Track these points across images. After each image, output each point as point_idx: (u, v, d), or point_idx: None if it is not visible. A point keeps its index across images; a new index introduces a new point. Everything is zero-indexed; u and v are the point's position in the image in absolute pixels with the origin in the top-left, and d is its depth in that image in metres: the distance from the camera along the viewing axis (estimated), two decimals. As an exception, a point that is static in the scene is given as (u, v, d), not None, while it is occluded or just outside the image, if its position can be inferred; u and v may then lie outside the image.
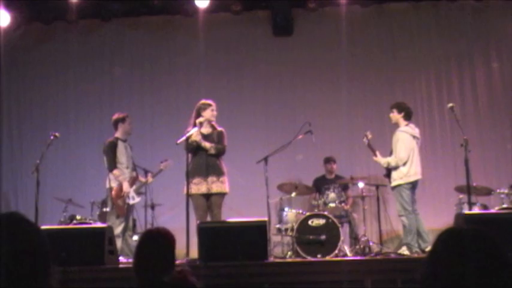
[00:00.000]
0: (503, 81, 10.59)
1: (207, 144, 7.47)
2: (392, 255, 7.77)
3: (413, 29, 10.85)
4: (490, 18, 10.69)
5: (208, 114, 7.61)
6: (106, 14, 10.77)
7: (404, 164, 7.94)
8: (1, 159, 11.04)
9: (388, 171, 8.12)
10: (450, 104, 8.14)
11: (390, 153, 8.18)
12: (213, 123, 7.68)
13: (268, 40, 10.90)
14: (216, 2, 10.23)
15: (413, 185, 8.00)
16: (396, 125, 8.21)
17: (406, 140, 8.02)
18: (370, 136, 8.41)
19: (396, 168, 7.98)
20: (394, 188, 8.04)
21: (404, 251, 7.75)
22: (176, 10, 10.68)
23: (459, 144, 7.75)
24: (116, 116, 8.43)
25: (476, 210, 8.12)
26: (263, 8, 10.84)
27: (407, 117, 8.17)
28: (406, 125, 8.13)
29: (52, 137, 8.14)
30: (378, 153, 8.29)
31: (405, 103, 8.47)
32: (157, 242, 3.49)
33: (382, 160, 8.17)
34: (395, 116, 8.20)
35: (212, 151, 7.47)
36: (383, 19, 10.89)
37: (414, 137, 8.09)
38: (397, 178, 7.97)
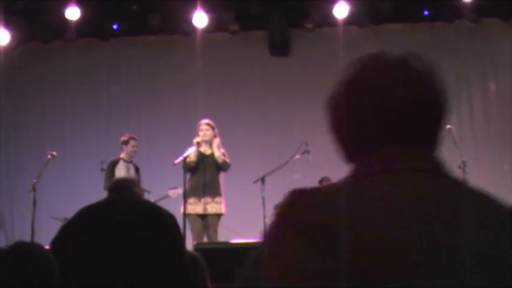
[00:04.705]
0: (500, 102, 10.61)
1: (216, 152, 7.46)
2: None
3: (410, 49, 10.85)
4: (487, 39, 10.73)
5: (200, 134, 7.63)
6: (104, 33, 10.80)
7: None
8: (-3, 177, 11.01)
9: None
10: (447, 126, 8.17)
11: None
12: (218, 143, 7.66)
13: (265, 60, 10.92)
14: (213, 22, 10.27)
15: None
16: None
17: None
18: None
19: None
20: None
21: None
22: (174, 30, 10.69)
23: (457, 165, 7.76)
24: (122, 138, 8.46)
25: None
26: (260, 28, 10.86)
27: None
28: None
29: (49, 156, 8.12)
30: None
31: None
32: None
33: None
34: None
35: (220, 160, 7.46)
36: (380, 40, 10.91)
37: None
38: None
